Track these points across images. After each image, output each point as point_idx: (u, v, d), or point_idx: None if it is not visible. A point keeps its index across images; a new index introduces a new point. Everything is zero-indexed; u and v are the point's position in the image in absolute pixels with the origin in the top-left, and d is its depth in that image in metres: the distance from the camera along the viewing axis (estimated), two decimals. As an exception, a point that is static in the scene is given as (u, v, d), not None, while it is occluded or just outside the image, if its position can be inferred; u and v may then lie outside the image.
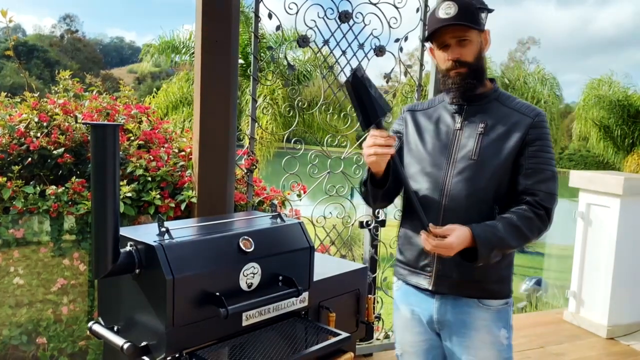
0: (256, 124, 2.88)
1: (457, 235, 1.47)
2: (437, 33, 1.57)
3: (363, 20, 2.96)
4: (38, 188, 2.46)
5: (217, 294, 1.49)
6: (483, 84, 1.63)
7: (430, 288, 1.65)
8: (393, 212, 3.37)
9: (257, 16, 2.73)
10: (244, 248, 1.59)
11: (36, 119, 2.72)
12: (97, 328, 1.62)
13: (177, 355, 1.47)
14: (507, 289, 1.65)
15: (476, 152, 1.58)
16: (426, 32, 1.68)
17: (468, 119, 1.63)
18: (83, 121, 2.76)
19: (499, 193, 1.58)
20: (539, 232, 1.57)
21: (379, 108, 1.50)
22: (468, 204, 1.58)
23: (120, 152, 2.69)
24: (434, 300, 1.68)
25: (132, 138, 2.84)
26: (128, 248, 1.48)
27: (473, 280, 1.60)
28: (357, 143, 3.31)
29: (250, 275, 1.60)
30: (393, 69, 3.16)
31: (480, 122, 1.61)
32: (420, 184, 1.65)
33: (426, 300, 1.69)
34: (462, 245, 1.48)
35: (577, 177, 4.09)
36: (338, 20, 2.92)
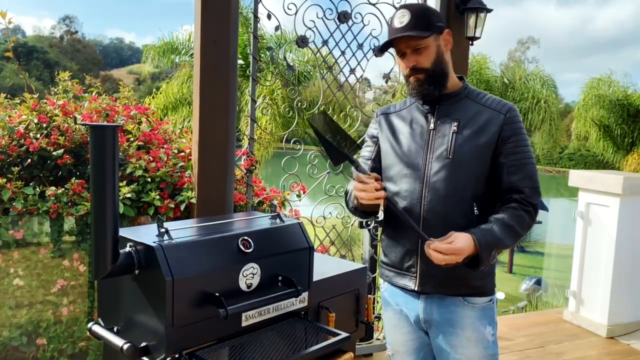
0: (255, 124, 2.88)
1: (462, 241, 1.48)
2: (392, 43, 1.59)
3: (362, 21, 2.97)
4: (38, 189, 2.47)
5: (217, 294, 1.49)
6: (445, 86, 1.64)
7: (415, 288, 1.67)
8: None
9: (256, 17, 2.74)
10: (243, 248, 1.59)
11: (36, 120, 2.72)
12: (97, 329, 1.62)
13: (176, 356, 1.47)
14: (491, 285, 1.68)
15: (451, 150, 1.60)
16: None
17: (441, 118, 1.65)
18: (82, 122, 2.76)
19: (476, 191, 1.59)
20: (528, 228, 1.59)
21: (339, 156, 1.55)
22: (447, 202, 1.59)
23: (120, 153, 2.69)
24: (419, 300, 1.69)
25: (132, 139, 2.84)
26: (127, 249, 1.48)
27: (457, 277, 1.61)
28: (357, 143, 3.31)
29: (249, 276, 1.60)
30: (392, 69, 3.16)
31: (453, 121, 1.62)
32: (399, 185, 1.67)
33: (412, 301, 1.71)
34: (469, 251, 1.48)
35: (576, 177, 4.09)
36: (337, 21, 2.92)
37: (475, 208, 1.59)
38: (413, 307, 1.71)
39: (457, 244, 1.47)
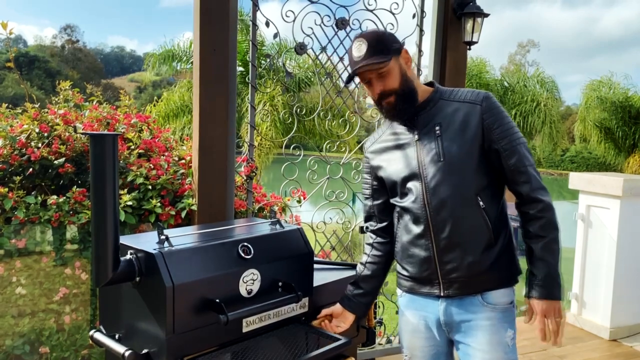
0: (255, 131, 2.89)
1: (539, 307, 1.60)
2: (355, 74, 1.64)
3: (360, 27, 2.98)
4: (39, 198, 2.48)
5: (217, 300, 1.50)
6: (416, 100, 1.67)
7: (441, 294, 1.68)
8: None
9: (254, 24, 2.76)
10: (243, 254, 1.60)
11: (37, 130, 2.74)
12: (99, 336, 1.63)
13: (178, 362, 1.48)
14: (515, 270, 1.69)
15: (441, 153, 1.62)
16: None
17: (422, 127, 1.67)
18: (82, 131, 2.77)
19: (478, 184, 1.61)
20: (556, 227, 1.62)
21: None
22: (452, 203, 1.61)
23: (121, 161, 2.71)
24: (439, 302, 1.70)
25: (133, 147, 2.86)
26: (128, 256, 1.49)
27: (480, 272, 1.63)
28: (356, 148, 3.32)
29: (250, 282, 1.61)
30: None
31: (435, 126, 1.65)
32: (405, 201, 1.70)
33: (432, 303, 1.72)
34: (557, 304, 1.59)
35: (576, 179, 4.09)
36: (335, 27, 2.94)
37: (481, 202, 1.61)
38: (433, 309, 1.72)
39: (539, 315, 1.59)
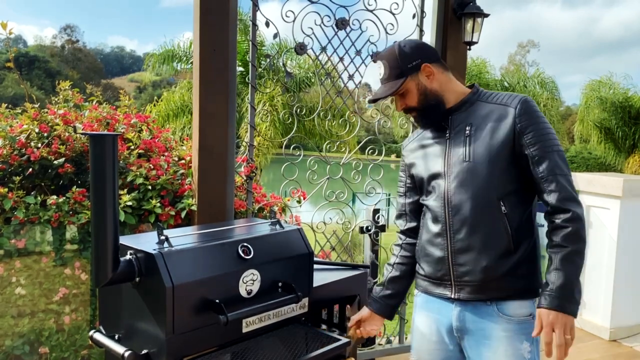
0: (255, 131, 2.89)
1: (546, 318, 1.47)
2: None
3: (360, 27, 2.98)
4: (39, 198, 2.48)
5: (217, 301, 1.50)
6: (441, 110, 1.68)
7: (452, 296, 1.67)
8: (393, 217, 3.38)
9: (254, 24, 2.76)
10: (243, 255, 1.60)
11: (37, 130, 2.74)
12: (98, 337, 1.63)
13: (177, 363, 1.48)
14: (536, 284, 1.60)
15: (467, 154, 1.61)
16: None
17: (455, 127, 1.68)
18: (81, 131, 2.77)
19: (502, 189, 1.58)
20: (582, 239, 1.51)
21: None
22: (472, 205, 1.59)
23: (121, 161, 2.70)
24: (453, 306, 1.69)
25: (132, 147, 2.86)
26: (128, 256, 1.49)
27: (495, 278, 1.59)
28: (356, 148, 3.32)
29: (249, 282, 1.61)
30: (391, 74, 3.17)
31: (466, 126, 1.65)
32: (429, 199, 1.72)
33: (447, 307, 1.70)
34: (568, 319, 1.47)
35: (576, 179, 4.09)
36: (335, 27, 2.94)
37: (503, 207, 1.58)
38: (447, 313, 1.70)
39: (546, 327, 1.47)
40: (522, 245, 1.59)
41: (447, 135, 1.68)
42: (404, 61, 1.65)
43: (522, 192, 1.60)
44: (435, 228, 1.68)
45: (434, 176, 1.69)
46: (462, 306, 1.67)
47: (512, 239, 1.57)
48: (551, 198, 1.53)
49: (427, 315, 1.77)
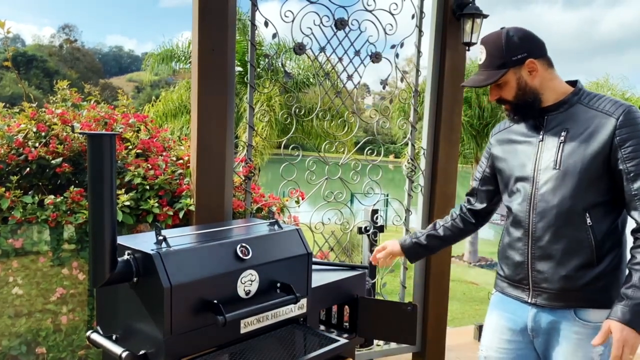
0: (253, 131, 2.89)
1: (618, 333, 1.43)
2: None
3: (359, 27, 2.98)
4: (37, 198, 2.47)
5: (215, 301, 1.50)
6: (536, 109, 1.62)
7: (529, 300, 1.67)
8: (392, 217, 3.38)
9: (253, 24, 2.75)
10: (241, 255, 1.60)
11: (34, 129, 2.73)
12: (96, 337, 1.62)
13: (175, 364, 1.47)
14: (614, 297, 1.52)
15: (558, 161, 1.57)
16: None
17: (550, 129, 1.62)
18: (79, 131, 2.76)
19: (589, 201, 1.53)
20: None
21: None
22: (557, 213, 1.57)
23: (119, 161, 2.70)
24: (529, 308, 1.68)
25: (130, 147, 2.85)
26: (126, 257, 1.49)
27: (574, 289, 1.57)
28: (355, 149, 3.32)
29: (248, 283, 1.60)
30: (390, 75, 3.17)
31: (562, 130, 1.59)
32: (512, 200, 1.70)
33: (523, 307, 1.70)
34: (638, 338, 1.43)
35: None
36: (334, 28, 2.93)
37: (589, 219, 1.53)
38: (522, 314, 1.70)
39: (618, 342, 1.42)
40: (606, 258, 1.55)
41: (540, 136, 1.63)
42: (509, 52, 1.57)
43: (610, 205, 1.55)
44: (516, 233, 1.67)
45: (521, 178, 1.66)
46: (538, 308, 1.66)
47: (595, 251, 1.54)
48: (639, 217, 1.48)
49: (501, 314, 1.77)
